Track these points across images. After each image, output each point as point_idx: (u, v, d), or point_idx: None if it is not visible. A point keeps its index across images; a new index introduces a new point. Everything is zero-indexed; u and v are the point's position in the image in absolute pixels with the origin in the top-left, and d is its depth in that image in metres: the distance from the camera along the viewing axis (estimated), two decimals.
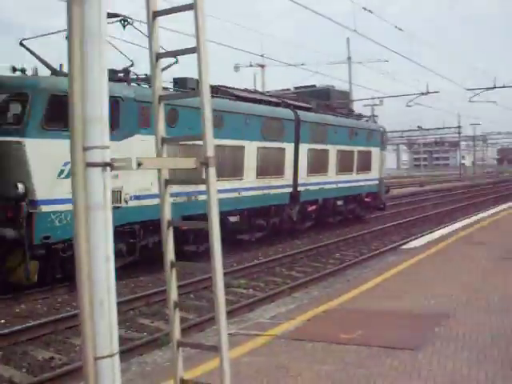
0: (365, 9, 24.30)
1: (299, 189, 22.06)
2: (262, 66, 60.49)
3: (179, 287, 2.80)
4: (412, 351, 6.81)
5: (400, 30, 27.41)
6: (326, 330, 8.00)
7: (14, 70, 13.70)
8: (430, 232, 20.36)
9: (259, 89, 64.33)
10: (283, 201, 21.27)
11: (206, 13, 2.66)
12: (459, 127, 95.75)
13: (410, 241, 18.42)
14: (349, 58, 43.72)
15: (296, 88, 61.74)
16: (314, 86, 59.75)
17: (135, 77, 15.87)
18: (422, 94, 39.68)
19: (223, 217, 15.96)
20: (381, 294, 10.15)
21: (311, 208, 23.15)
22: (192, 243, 16.25)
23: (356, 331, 7.72)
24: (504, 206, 29.65)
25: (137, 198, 14.66)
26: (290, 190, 21.61)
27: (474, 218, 23.74)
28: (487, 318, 8.09)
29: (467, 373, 6.04)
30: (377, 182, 28.99)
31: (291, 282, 14.51)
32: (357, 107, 54.62)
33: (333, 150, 24.66)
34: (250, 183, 19.35)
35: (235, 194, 18.50)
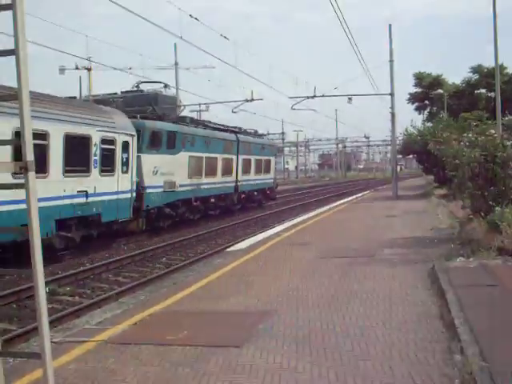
0: (191, 16, 24.54)
1: (238, 184, 35.05)
2: (89, 69, 58.82)
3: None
4: (237, 348, 7.06)
5: (226, 38, 27.98)
6: (152, 333, 8.06)
7: None
8: (255, 234, 21.07)
9: (86, 92, 62.40)
10: (232, 190, 34.40)
11: (27, 12, 2.61)
12: (283, 133, 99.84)
13: (237, 243, 18.85)
14: (176, 64, 43.85)
15: (123, 92, 60.62)
16: (141, 90, 59.00)
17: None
18: (247, 100, 40.89)
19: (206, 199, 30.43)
20: (206, 295, 10.36)
21: (243, 196, 36.23)
22: None
23: (182, 332, 7.85)
24: (323, 209, 31.35)
25: None
26: (234, 184, 34.65)
27: (297, 220, 24.90)
28: (306, 313, 8.55)
29: (287, 364, 6.39)
30: (272, 180, 42.81)
31: (118, 288, 14.35)
32: (185, 112, 54.90)
33: (253, 159, 38.12)
34: (218, 180, 32.21)
35: (212, 186, 30.88)
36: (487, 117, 18.28)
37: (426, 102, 53.79)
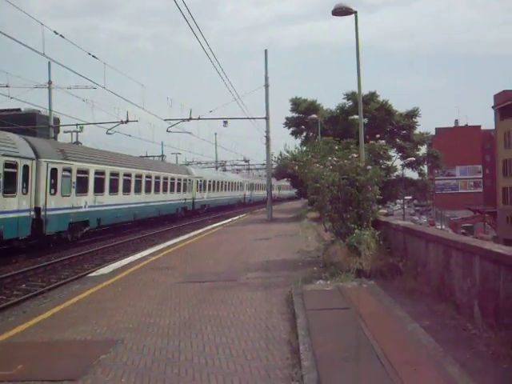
0: (56, 32, 23.66)
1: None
2: None
3: None
4: (72, 382, 6.62)
5: (94, 57, 27.27)
6: None
7: None
8: (123, 258, 20.46)
9: None
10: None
11: None
12: (163, 156, 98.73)
13: (102, 267, 18.16)
14: (49, 83, 42.35)
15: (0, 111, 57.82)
16: (19, 109, 56.67)
17: None
18: (122, 122, 40.04)
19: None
20: (55, 324, 9.79)
21: None
22: None
23: (17, 366, 7.29)
24: (197, 231, 31.10)
25: None
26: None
27: (169, 243, 24.48)
28: (153, 341, 8.21)
29: None
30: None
31: None
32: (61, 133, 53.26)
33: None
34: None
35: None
36: (357, 142, 18.84)
37: (303, 126, 54.88)
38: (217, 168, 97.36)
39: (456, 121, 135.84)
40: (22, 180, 22.87)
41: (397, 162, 49.17)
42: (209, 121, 51.01)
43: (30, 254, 23.39)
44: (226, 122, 39.79)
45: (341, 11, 15.99)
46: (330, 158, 15.45)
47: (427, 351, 6.64)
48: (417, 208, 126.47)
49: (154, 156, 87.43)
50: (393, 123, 48.70)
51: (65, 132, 45.44)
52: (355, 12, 15.95)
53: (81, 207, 28.24)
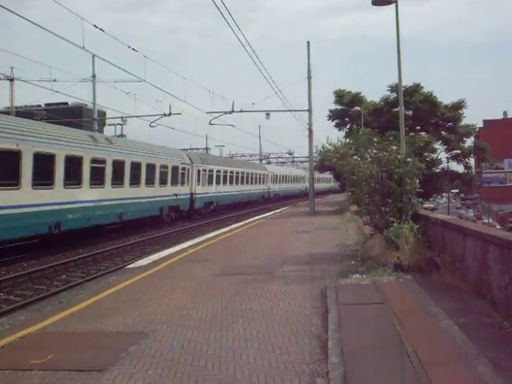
0: (95, 26, 23.85)
1: None
2: (11, 80, 56.74)
3: None
4: (98, 372, 6.64)
5: (134, 50, 27.40)
6: (16, 357, 7.54)
7: None
8: (161, 250, 20.58)
9: (8, 103, 60.33)
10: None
11: None
12: (207, 148, 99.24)
13: (139, 259, 18.28)
14: (93, 76, 42.84)
15: (47, 105, 58.96)
16: (66, 103, 57.57)
17: None
18: (165, 115, 40.27)
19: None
20: (89, 315, 9.86)
21: None
22: None
23: (48, 355, 7.36)
24: (238, 224, 31.11)
25: None
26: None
27: (208, 235, 24.52)
28: (183, 334, 8.18)
29: None
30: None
31: (6, 307, 13.56)
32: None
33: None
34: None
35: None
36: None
37: (346, 119, 54.41)
38: (261, 160, 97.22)
39: (505, 112, 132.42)
40: (186, 176, 37.80)
41: (442, 154, 48.36)
42: (251, 114, 50.90)
43: (74, 246, 23.71)
44: (268, 115, 39.69)
45: (381, 1, 15.71)
46: (369, 151, 15.20)
47: (459, 350, 6.43)
48: (463, 202, 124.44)
49: (197, 148, 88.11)
50: (438, 115, 47.78)
51: (108, 125, 45.91)
52: (396, 1, 15.63)
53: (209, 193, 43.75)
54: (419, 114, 45.84)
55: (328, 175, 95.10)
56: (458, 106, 48.83)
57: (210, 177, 44.49)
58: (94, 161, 25.02)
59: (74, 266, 19.73)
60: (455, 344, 6.67)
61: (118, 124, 43.38)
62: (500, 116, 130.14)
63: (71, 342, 8.19)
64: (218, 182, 46.46)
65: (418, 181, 14.56)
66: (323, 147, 38.35)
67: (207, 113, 40.86)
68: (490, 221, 78.21)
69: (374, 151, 14.96)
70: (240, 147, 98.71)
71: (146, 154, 31.89)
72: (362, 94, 53.22)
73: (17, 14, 20.16)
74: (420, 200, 15.75)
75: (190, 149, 79.29)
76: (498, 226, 63.19)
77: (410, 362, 6.01)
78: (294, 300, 10.18)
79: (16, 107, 61.40)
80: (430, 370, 5.75)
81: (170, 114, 39.94)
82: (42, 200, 20.98)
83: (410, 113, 46.19)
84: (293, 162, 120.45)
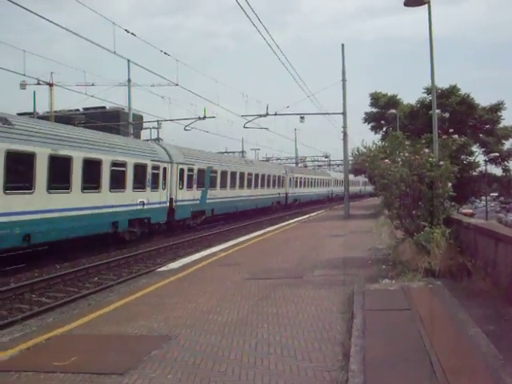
0: (127, 31, 24.02)
1: None
2: (51, 85, 57.72)
3: None
4: (119, 376, 6.63)
5: (166, 54, 27.56)
6: (40, 359, 7.62)
7: None
8: (192, 254, 20.62)
9: (47, 108, 61.34)
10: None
11: None
12: (243, 152, 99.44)
13: (171, 262, 18.33)
14: (129, 81, 43.23)
15: (85, 109, 59.83)
16: (103, 107, 58.22)
17: None
18: (200, 118, 40.43)
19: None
20: (116, 317, 9.91)
21: None
22: None
23: (71, 358, 7.39)
24: (272, 227, 31.04)
25: None
26: None
27: (241, 239, 24.51)
28: (207, 338, 8.13)
29: None
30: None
31: (37, 309, 13.72)
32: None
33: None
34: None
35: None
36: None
37: (382, 121, 53.94)
38: (297, 164, 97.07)
39: None
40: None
41: (480, 157, 47.56)
42: (286, 117, 50.71)
43: (107, 248, 23.92)
44: (302, 118, 39.55)
45: (413, 2, 15.49)
46: (400, 154, 14.99)
47: (485, 359, 6.24)
48: (503, 205, 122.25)
49: (234, 152, 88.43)
50: (475, 117, 46.98)
51: (144, 129, 46.28)
52: (428, 2, 15.40)
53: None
54: (456, 116, 45.14)
55: (364, 178, 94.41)
56: (497, 107, 47.97)
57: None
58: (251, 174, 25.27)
59: (106, 269, 19.90)
60: (481, 353, 6.48)
61: (154, 128, 43.62)
62: None
63: (95, 344, 8.23)
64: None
65: (450, 184, 14.30)
66: (358, 150, 38.07)
67: (242, 116, 40.89)
68: None
69: (406, 154, 14.75)
70: (276, 150, 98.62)
71: (269, 170, 28.82)
72: (398, 97, 52.68)
73: (52, 22, 20.36)
74: (453, 204, 15.46)
75: (226, 152, 79.57)
76: None
77: (432, 371, 5.85)
78: (320, 305, 10.06)
79: (55, 112, 62.43)
80: (452, 379, 5.59)
81: (204, 118, 40.08)
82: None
83: (447, 115, 45.53)
84: (329, 165, 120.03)
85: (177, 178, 31.50)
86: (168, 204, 30.35)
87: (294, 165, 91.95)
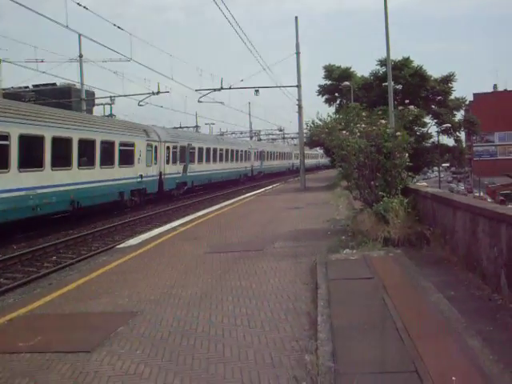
0: (79, 4, 23.42)
1: None
2: None
3: None
4: (87, 353, 6.59)
5: (120, 28, 27.06)
6: (5, 340, 7.52)
7: None
8: (151, 229, 20.52)
9: None
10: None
11: None
12: (197, 126, 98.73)
13: (130, 239, 18.18)
14: (80, 56, 42.30)
15: (35, 86, 58.23)
16: (54, 84, 56.73)
17: None
18: (153, 93, 39.95)
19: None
20: (79, 295, 9.80)
21: None
22: None
23: (36, 338, 7.30)
24: (229, 201, 31.02)
25: None
26: None
27: (200, 213, 24.45)
28: (173, 313, 8.13)
29: (134, 370, 5.98)
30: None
31: None
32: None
33: None
34: None
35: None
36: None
37: (336, 94, 54.16)
38: (251, 138, 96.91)
39: (495, 85, 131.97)
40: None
41: (432, 128, 48.28)
42: (240, 91, 50.52)
43: (63, 227, 23.59)
44: (257, 91, 39.43)
45: None
46: (358, 125, 15.10)
47: (449, 323, 6.41)
48: (454, 175, 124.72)
49: (188, 127, 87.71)
50: (427, 89, 47.58)
51: (97, 105, 45.52)
52: None
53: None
54: (409, 88, 45.65)
55: (318, 151, 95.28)
56: (448, 79, 48.65)
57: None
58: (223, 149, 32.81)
59: (64, 247, 19.63)
60: (444, 317, 6.64)
61: (107, 104, 42.96)
62: (490, 89, 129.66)
63: (60, 323, 8.13)
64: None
65: (407, 155, 14.49)
66: (313, 123, 38.23)
67: (196, 90, 40.58)
68: (481, 194, 78.48)
69: (363, 126, 14.87)
70: (230, 125, 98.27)
71: (238, 146, 40.44)
72: (351, 69, 52.96)
73: None
74: (410, 174, 15.68)
75: (180, 127, 78.85)
76: (489, 199, 63.45)
77: (399, 336, 5.98)
78: (284, 276, 10.14)
79: (3, 89, 60.76)
80: (419, 343, 5.72)
81: (158, 93, 39.59)
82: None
83: (400, 87, 46.00)
84: (283, 138, 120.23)
85: (164, 155, 36.13)
86: (158, 177, 35.06)
87: (248, 139, 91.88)
